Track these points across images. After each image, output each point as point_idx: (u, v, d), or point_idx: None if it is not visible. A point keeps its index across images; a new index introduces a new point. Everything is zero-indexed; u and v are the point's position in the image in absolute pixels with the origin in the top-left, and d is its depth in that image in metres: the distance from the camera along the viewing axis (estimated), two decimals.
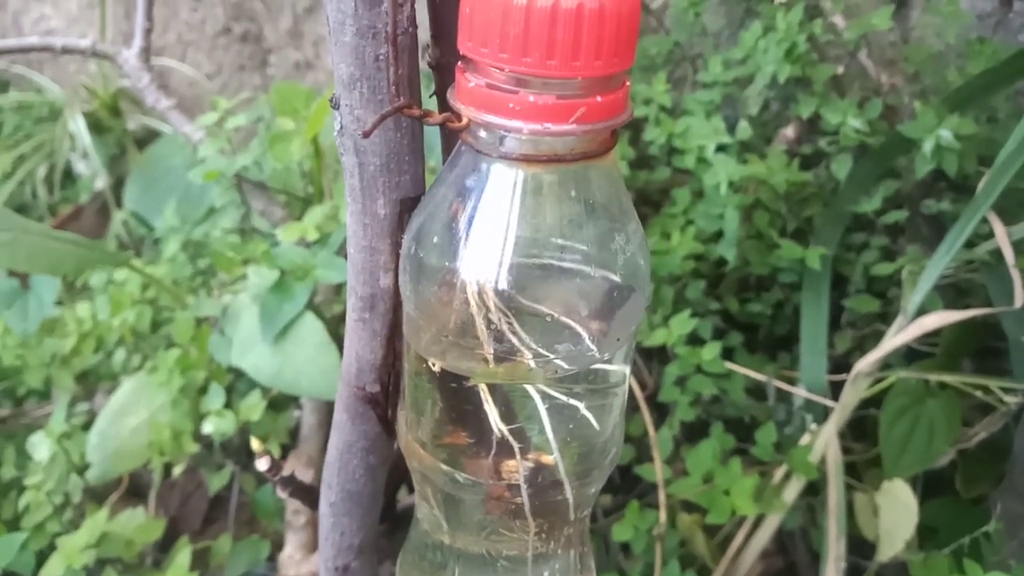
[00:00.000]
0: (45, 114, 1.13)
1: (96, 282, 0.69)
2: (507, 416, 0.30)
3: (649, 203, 0.83)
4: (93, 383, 0.71)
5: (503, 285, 0.27)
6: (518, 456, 0.30)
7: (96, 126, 1.09)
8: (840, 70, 0.73)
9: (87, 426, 0.64)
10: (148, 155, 1.03)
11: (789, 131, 0.77)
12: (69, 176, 1.11)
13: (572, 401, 0.30)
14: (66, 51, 0.67)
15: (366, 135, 0.26)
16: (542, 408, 0.30)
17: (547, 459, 0.31)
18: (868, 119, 0.68)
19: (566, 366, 0.29)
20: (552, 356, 0.28)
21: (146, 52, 0.66)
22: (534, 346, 0.28)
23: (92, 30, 1.15)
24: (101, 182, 1.05)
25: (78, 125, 1.06)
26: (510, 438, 0.30)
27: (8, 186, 1.04)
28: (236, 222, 0.67)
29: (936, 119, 0.63)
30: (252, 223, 0.68)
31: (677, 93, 0.83)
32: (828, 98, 0.71)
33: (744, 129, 0.71)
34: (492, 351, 0.28)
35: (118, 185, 1.07)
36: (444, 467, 0.31)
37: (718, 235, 0.70)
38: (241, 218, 0.68)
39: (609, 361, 0.30)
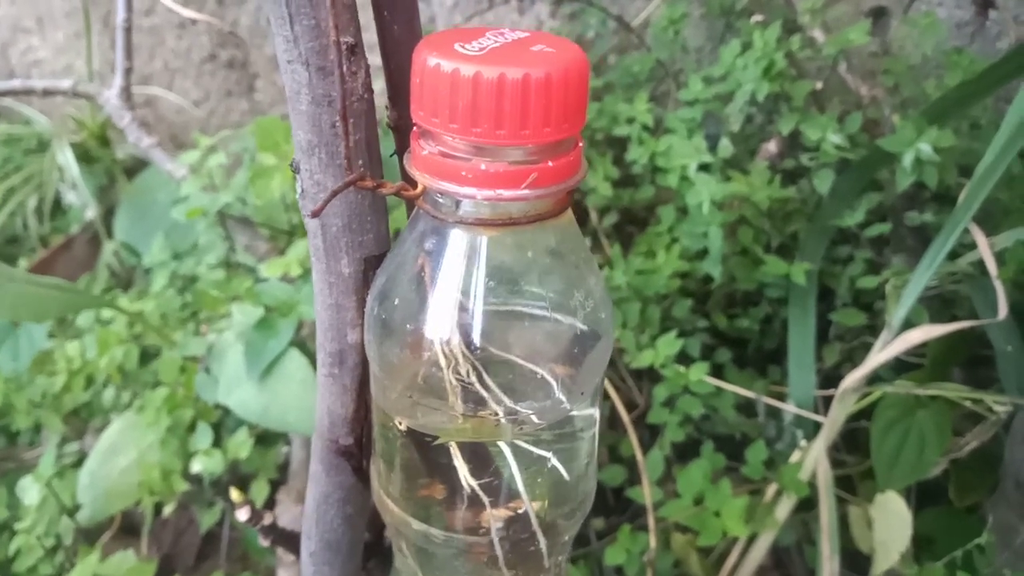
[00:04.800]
0: (34, 146, 1.13)
1: (83, 321, 0.69)
2: (477, 470, 0.30)
3: (635, 221, 0.83)
4: (84, 420, 0.71)
5: (465, 343, 0.27)
6: (489, 509, 0.30)
7: (85, 156, 1.10)
8: (819, 85, 0.73)
9: (78, 464, 0.64)
10: (136, 186, 1.03)
11: (771, 145, 0.77)
12: (59, 207, 1.12)
13: (542, 452, 0.30)
14: (48, 93, 0.68)
15: (315, 214, 0.26)
16: (512, 461, 0.30)
17: (519, 511, 0.31)
18: (848, 133, 0.68)
19: (536, 420, 0.29)
20: (520, 412, 0.29)
21: (127, 91, 0.67)
22: (502, 402, 0.28)
23: (79, 60, 1.15)
24: (91, 212, 1.05)
25: (66, 156, 1.06)
26: (480, 493, 0.30)
27: None
28: (221, 257, 0.68)
29: (915, 133, 0.63)
30: (237, 258, 0.69)
31: (661, 109, 0.83)
32: (808, 113, 0.71)
33: (725, 147, 0.71)
34: (459, 410, 0.28)
35: (108, 215, 1.07)
36: (415, 521, 0.31)
37: (704, 252, 0.70)
38: (226, 253, 0.68)
39: (576, 409, 0.30)
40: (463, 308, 0.27)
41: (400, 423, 0.30)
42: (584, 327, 0.29)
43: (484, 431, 0.29)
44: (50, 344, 0.71)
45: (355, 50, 0.26)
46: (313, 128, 0.27)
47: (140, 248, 0.97)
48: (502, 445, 0.30)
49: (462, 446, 0.30)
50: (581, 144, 0.27)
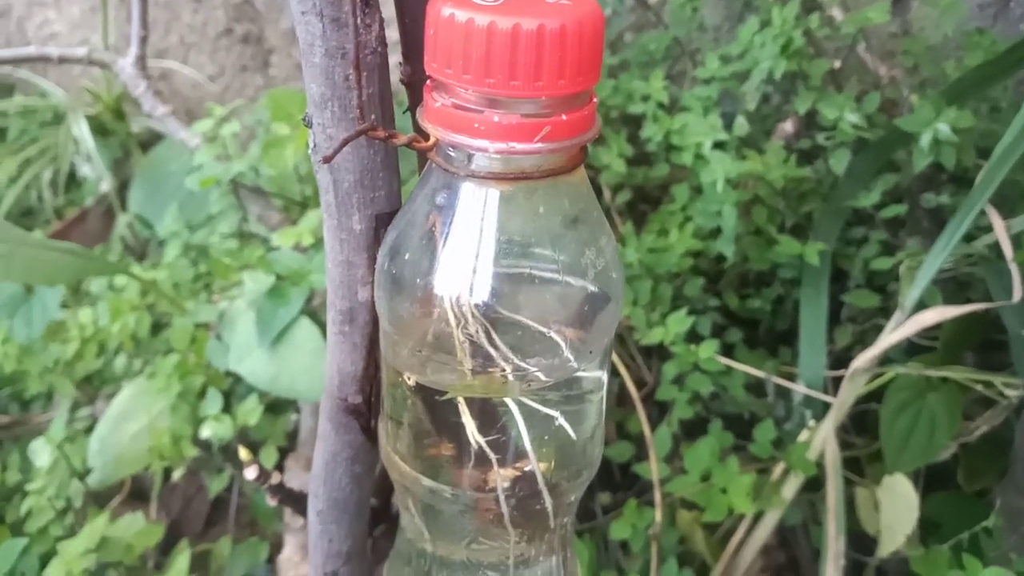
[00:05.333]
0: (49, 118, 1.14)
1: (96, 288, 0.70)
2: (484, 428, 0.30)
3: (648, 200, 0.83)
4: (96, 387, 0.72)
5: (476, 300, 0.27)
6: (496, 467, 0.30)
7: (100, 129, 1.10)
8: (838, 64, 0.72)
9: (89, 430, 0.65)
10: (151, 158, 1.03)
11: (788, 125, 0.76)
12: (74, 179, 1.12)
13: (549, 411, 0.30)
14: (63, 61, 0.68)
15: (327, 160, 0.26)
16: (519, 419, 0.30)
17: (525, 469, 0.31)
18: (866, 113, 0.68)
19: (543, 378, 0.29)
20: (528, 369, 0.29)
21: (142, 60, 0.67)
22: (510, 359, 0.28)
23: (95, 34, 1.16)
24: (105, 185, 1.06)
25: (81, 129, 1.06)
26: (487, 450, 0.30)
27: (14, 190, 1.05)
28: (234, 227, 0.68)
29: (933, 113, 0.62)
30: (250, 227, 0.69)
31: (677, 88, 0.83)
32: (825, 92, 0.70)
33: (741, 125, 0.71)
34: (468, 366, 0.28)
35: (123, 188, 1.08)
36: (423, 478, 0.31)
37: (717, 231, 0.70)
38: (239, 223, 0.68)
39: (584, 370, 0.30)
40: (473, 265, 0.27)
41: (409, 379, 0.30)
42: (595, 288, 0.29)
43: (492, 387, 0.29)
44: (63, 315, 0.72)
45: (369, 2, 0.26)
46: (326, 81, 0.27)
47: (154, 221, 0.97)
48: (510, 403, 0.30)
49: (471, 403, 0.30)
50: (595, 100, 0.27)
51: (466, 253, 0.27)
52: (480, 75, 0.24)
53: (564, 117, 0.25)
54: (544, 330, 0.29)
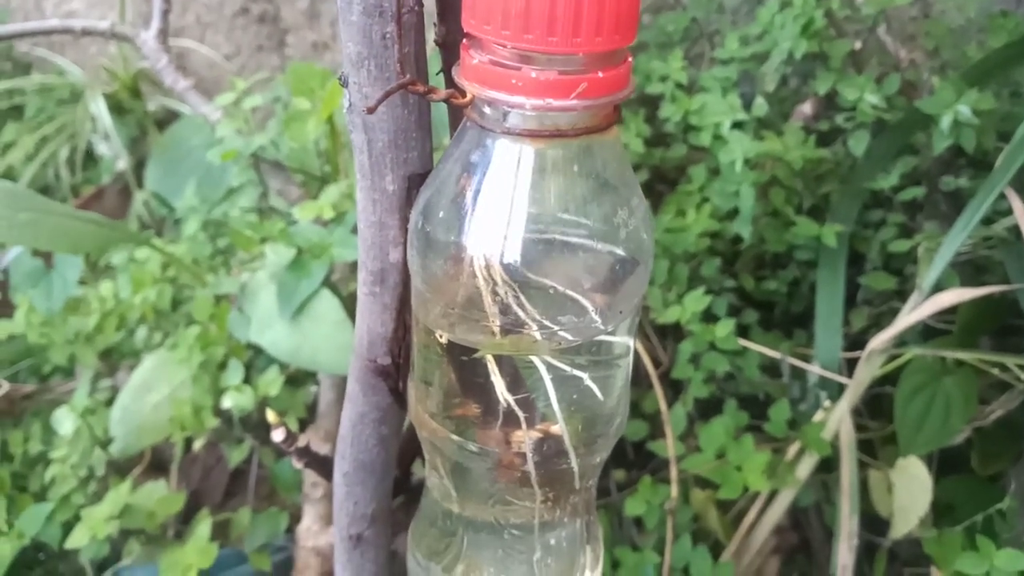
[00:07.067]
0: (67, 96, 1.14)
1: (118, 261, 0.70)
2: (513, 387, 0.30)
3: (665, 180, 0.83)
4: (116, 360, 0.73)
5: (508, 259, 0.28)
6: (524, 426, 0.31)
7: (117, 108, 1.11)
8: (858, 45, 0.72)
9: (110, 402, 0.65)
10: (168, 136, 1.04)
11: (806, 107, 0.76)
12: (91, 157, 1.13)
13: (576, 372, 0.31)
14: (86, 33, 0.68)
15: (370, 111, 0.27)
16: (547, 379, 0.30)
17: (553, 429, 0.31)
18: (886, 95, 0.68)
19: (570, 338, 0.29)
20: (557, 328, 0.29)
21: (164, 33, 0.67)
22: (539, 318, 0.29)
23: (112, 12, 1.16)
24: (122, 163, 1.06)
25: (99, 107, 1.07)
26: (516, 408, 0.30)
27: (31, 168, 1.06)
28: (254, 201, 0.68)
29: (954, 94, 0.62)
30: (269, 202, 0.69)
31: (694, 70, 0.83)
32: (845, 74, 0.70)
33: (760, 106, 0.70)
34: (498, 323, 0.29)
35: (139, 166, 1.08)
36: (453, 437, 0.32)
37: (734, 212, 0.70)
38: (259, 197, 0.68)
39: (612, 333, 0.31)
40: (506, 224, 0.28)
41: (441, 337, 0.30)
42: (625, 251, 0.29)
43: (522, 346, 0.29)
44: (82, 291, 0.73)
45: None
46: (363, 40, 0.27)
47: (170, 199, 0.98)
48: (538, 363, 0.30)
49: (500, 363, 0.30)
50: (630, 59, 0.27)
51: (498, 212, 0.27)
52: (518, 31, 0.24)
53: (601, 74, 0.26)
54: (573, 289, 0.29)
